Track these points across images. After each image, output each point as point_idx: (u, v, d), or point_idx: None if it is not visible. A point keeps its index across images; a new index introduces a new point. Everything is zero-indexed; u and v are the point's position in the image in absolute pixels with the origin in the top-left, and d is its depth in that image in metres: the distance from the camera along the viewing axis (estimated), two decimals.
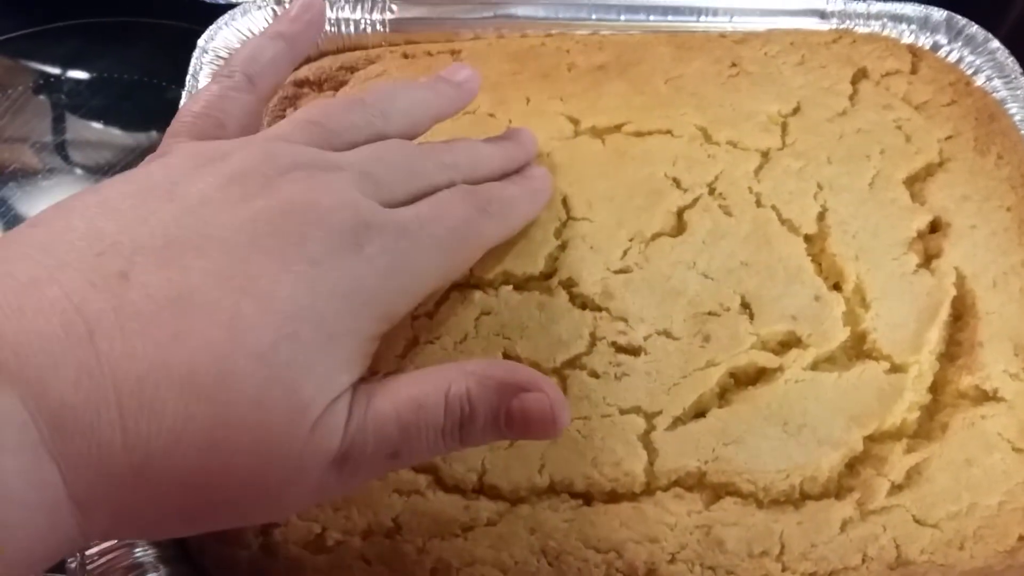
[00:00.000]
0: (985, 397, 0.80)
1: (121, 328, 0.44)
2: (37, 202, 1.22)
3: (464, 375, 0.55)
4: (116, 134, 1.33)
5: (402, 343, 0.83)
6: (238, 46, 1.04)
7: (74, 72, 1.41)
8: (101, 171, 1.27)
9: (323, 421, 0.50)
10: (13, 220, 1.18)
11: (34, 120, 1.35)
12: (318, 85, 1.05)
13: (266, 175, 0.53)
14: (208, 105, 0.62)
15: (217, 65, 1.03)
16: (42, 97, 1.40)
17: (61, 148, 1.31)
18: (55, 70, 1.42)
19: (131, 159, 1.27)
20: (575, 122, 0.98)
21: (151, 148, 0.94)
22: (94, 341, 0.43)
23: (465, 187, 0.66)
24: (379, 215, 0.55)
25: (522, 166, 0.81)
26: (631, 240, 0.88)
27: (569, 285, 0.86)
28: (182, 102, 1.01)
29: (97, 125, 1.35)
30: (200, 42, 1.05)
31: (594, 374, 0.81)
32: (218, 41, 1.05)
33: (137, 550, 0.73)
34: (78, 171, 1.28)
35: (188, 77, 1.02)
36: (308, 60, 1.07)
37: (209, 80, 0.97)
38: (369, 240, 0.54)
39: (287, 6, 0.77)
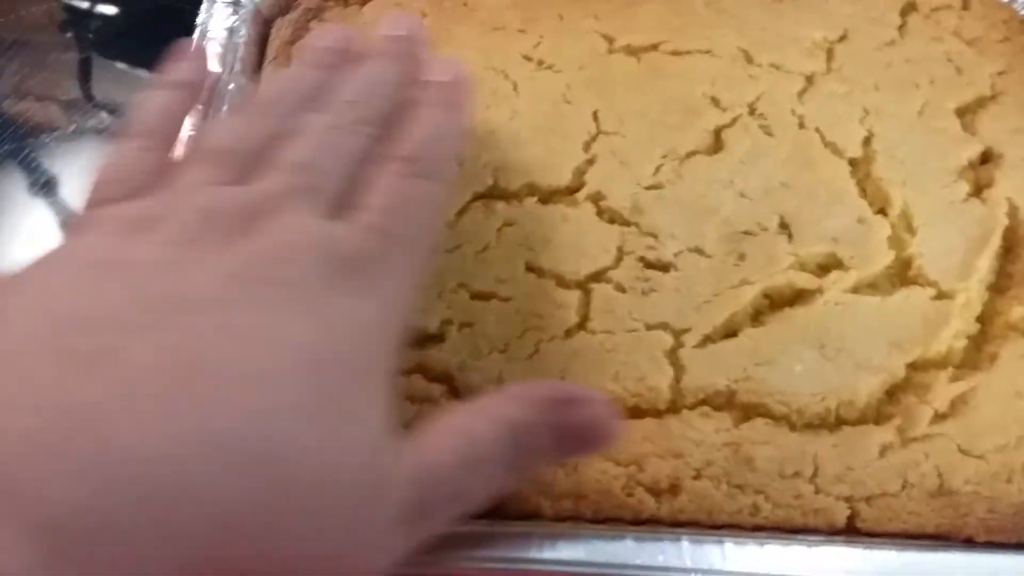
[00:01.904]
0: None
1: (122, 409, 0.37)
2: (66, 158, 1.19)
3: (511, 401, 0.52)
4: (142, 76, 1.29)
5: None
6: None
7: (101, 5, 1.38)
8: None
9: (378, 467, 0.45)
10: (42, 178, 1.15)
11: (58, 64, 1.31)
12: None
13: (214, 229, 0.47)
14: (119, 167, 0.56)
15: None
16: (68, 35, 1.37)
17: (88, 99, 1.27)
18: (82, 3, 1.39)
19: None
20: (609, 40, 0.94)
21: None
22: (97, 428, 0.36)
23: (398, 161, 0.57)
24: (347, 239, 0.50)
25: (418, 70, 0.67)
26: (664, 157, 0.84)
27: (597, 199, 0.82)
28: (199, 18, 0.97)
29: (123, 66, 1.32)
30: None
31: (620, 288, 0.77)
32: None
33: None
34: (104, 119, 1.24)
35: None
36: None
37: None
38: (351, 270, 0.49)
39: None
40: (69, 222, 0.53)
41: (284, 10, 1.01)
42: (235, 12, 0.97)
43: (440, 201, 0.62)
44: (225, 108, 0.89)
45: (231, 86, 0.91)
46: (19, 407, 0.37)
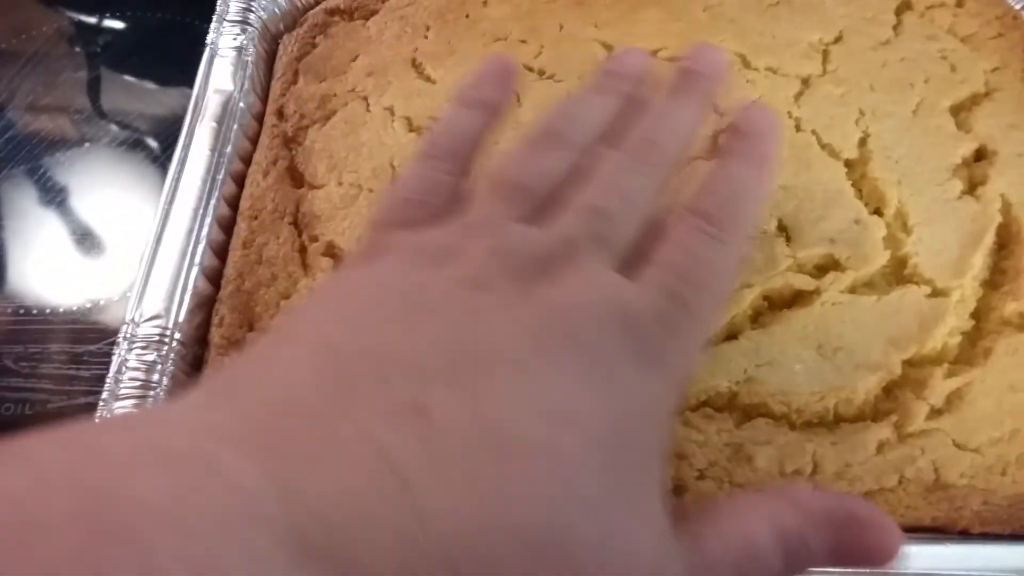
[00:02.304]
0: None
1: (438, 477, 0.34)
2: (76, 171, 1.22)
3: (795, 510, 0.45)
4: (150, 89, 1.32)
5: None
6: None
7: (109, 21, 1.41)
8: (142, 136, 1.25)
9: (660, 566, 0.41)
10: (54, 189, 1.18)
11: (70, 80, 1.33)
12: (349, 14, 1.04)
13: (511, 272, 0.44)
14: (416, 189, 0.54)
15: (243, 2, 1.02)
16: (77, 49, 1.40)
17: (98, 112, 1.30)
18: (90, 18, 1.42)
19: (168, 126, 1.25)
20: (609, 48, 0.96)
21: (199, 98, 0.93)
22: (412, 497, 0.33)
23: (698, 217, 0.51)
24: (642, 301, 0.45)
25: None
26: None
27: None
28: (208, 37, 1.00)
29: (131, 79, 1.34)
30: None
31: None
32: None
33: None
34: (115, 132, 1.27)
35: (219, 3, 1.01)
36: None
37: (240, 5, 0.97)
38: (643, 336, 0.44)
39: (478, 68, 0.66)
40: (361, 239, 0.53)
41: (291, 26, 1.04)
42: (243, 31, 0.99)
43: (735, 268, 0.53)
44: (236, 127, 0.91)
45: (241, 104, 0.94)
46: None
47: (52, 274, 1.09)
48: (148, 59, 1.34)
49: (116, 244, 1.11)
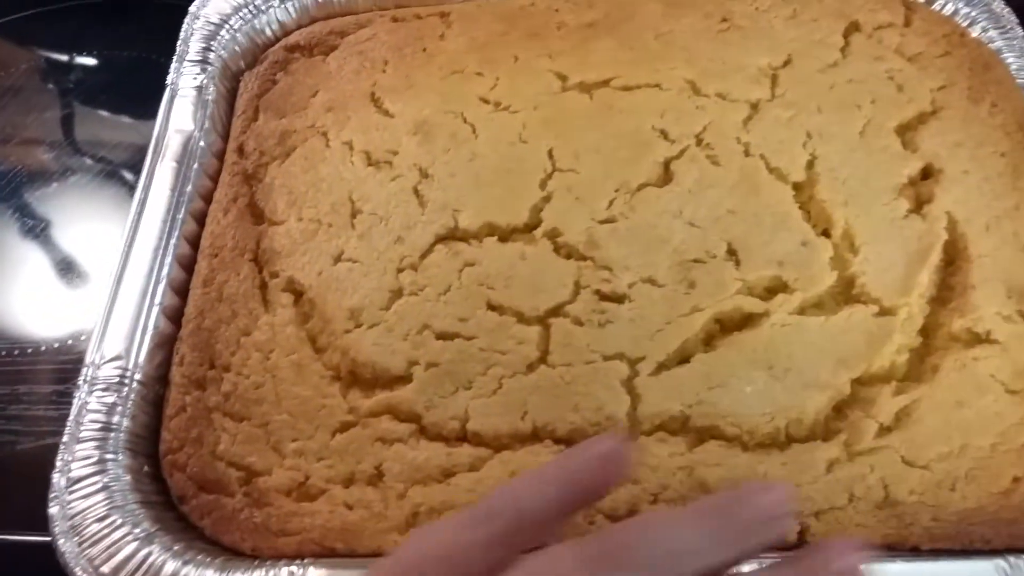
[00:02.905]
0: (978, 340, 0.79)
1: None
2: (55, 203, 1.23)
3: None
4: (125, 122, 1.34)
5: (387, 295, 0.83)
6: (228, 12, 1.05)
7: (80, 58, 1.42)
8: (118, 167, 1.26)
9: None
10: (34, 222, 1.20)
11: (44, 116, 1.35)
12: (308, 50, 1.06)
13: None
14: (444, 565, 0.46)
15: (207, 31, 1.03)
16: (50, 86, 1.41)
17: (74, 145, 1.31)
18: (61, 56, 1.43)
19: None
20: (563, 78, 0.97)
21: (159, 139, 0.94)
22: None
23: None
24: None
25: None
26: (617, 191, 0.88)
27: (553, 235, 0.85)
28: (169, 77, 1.01)
29: (105, 113, 1.36)
30: (192, 8, 1.06)
31: (578, 322, 0.80)
32: (209, 8, 1.05)
33: (116, 493, 0.73)
34: (91, 164, 1.28)
35: (179, 43, 1.03)
36: (299, 26, 1.08)
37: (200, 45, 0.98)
38: None
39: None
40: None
41: (251, 64, 1.05)
42: (203, 70, 1.01)
43: None
44: (196, 166, 0.93)
45: (201, 143, 0.95)
46: None
47: (36, 307, 1.10)
48: (119, 94, 1.36)
49: (98, 274, 1.12)
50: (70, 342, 1.05)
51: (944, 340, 0.79)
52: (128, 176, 1.25)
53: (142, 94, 1.30)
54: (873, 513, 0.71)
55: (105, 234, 1.17)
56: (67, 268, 1.13)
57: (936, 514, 0.71)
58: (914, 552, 0.70)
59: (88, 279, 1.12)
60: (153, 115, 0.97)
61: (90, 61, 1.43)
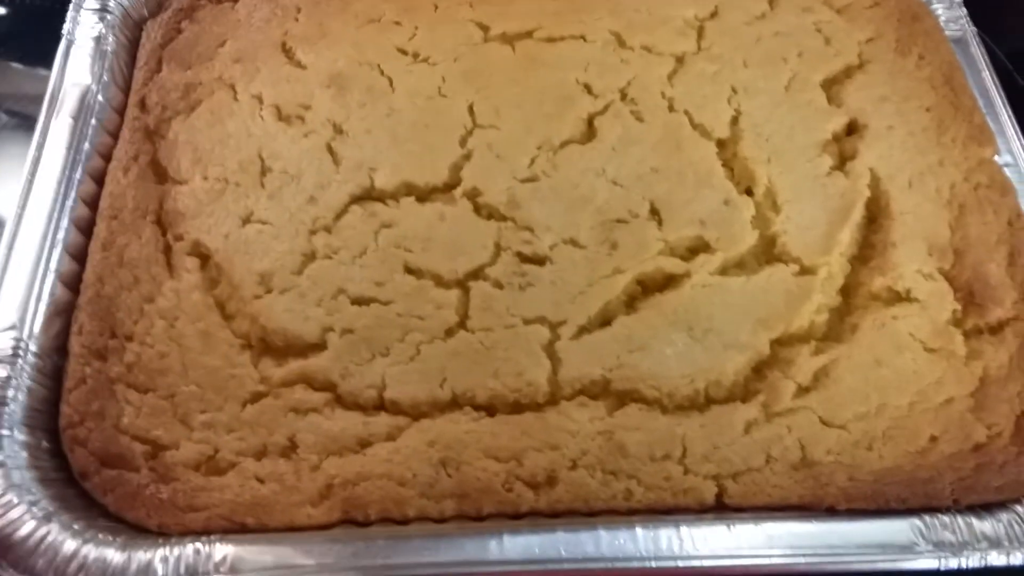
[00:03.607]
0: (898, 298, 0.79)
1: None
2: None
3: None
4: (40, 74, 1.25)
5: (299, 258, 0.80)
6: None
7: None
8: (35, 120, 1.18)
9: None
10: None
11: None
12: None
13: None
14: None
15: None
16: None
17: None
18: None
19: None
20: (485, 28, 0.93)
21: (54, 93, 0.88)
22: None
23: None
24: None
25: None
26: (539, 148, 0.85)
27: (473, 195, 0.83)
28: (64, 27, 0.93)
29: (17, 65, 1.27)
30: None
31: (498, 284, 0.78)
32: None
33: (14, 472, 0.69)
34: (6, 119, 1.20)
35: None
36: None
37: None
38: None
39: None
40: None
41: (155, 12, 0.99)
42: (101, 19, 0.94)
43: None
44: (94, 121, 0.87)
45: (100, 97, 0.89)
46: None
47: None
48: (31, 44, 1.27)
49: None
50: None
51: (864, 299, 0.79)
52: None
53: (54, 44, 1.22)
54: (789, 474, 0.71)
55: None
56: None
57: (853, 474, 0.71)
58: (830, 512, 0.70)
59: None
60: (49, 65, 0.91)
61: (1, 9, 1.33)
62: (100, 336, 0.77)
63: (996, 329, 0.78)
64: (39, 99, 1.21)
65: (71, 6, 0.96)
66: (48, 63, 1.25)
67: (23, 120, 1.19)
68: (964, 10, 1.01)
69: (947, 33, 0.97)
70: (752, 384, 0.75)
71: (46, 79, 1.24)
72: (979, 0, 1.04)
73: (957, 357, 0.76)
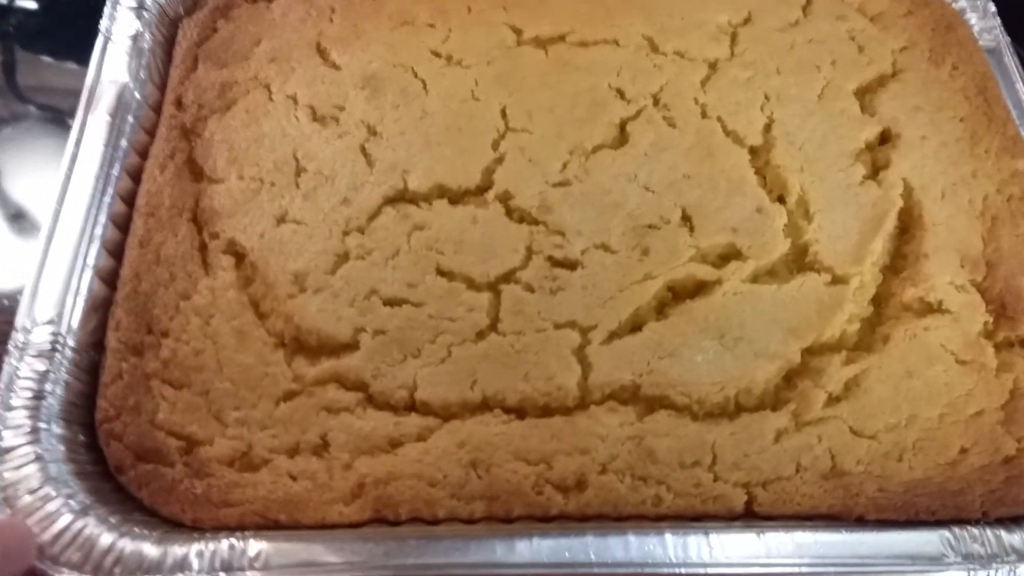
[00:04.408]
0: (929, 309, 0.79)
1: None
2: (4, 150, 1.17)
3: None
4: (70, 68, 1.27)
5: (332, 259, 0.81)
6: None
7: (20, 2, 1.34)
8: (66, 114, 1.20)
9: None
10: None
11: None
12: None
13: None
14: None
15: None
16: None
17: (16, 92, 1.24)
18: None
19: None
20: (518, 32, 0.94)
21: (92, 90, 0.88)
22: None
23: None
24: None
25: None
26: (571, 152, 0.85)
27: (505, 198, 0.83)
28: (102, 23, 0.94)
29: (48, 59, 1.29)
30: None
31: (529, 288, 0.79)
32: None
33: (51, 465, 0.70)
34: (35, 112, 1.22)
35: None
36: None
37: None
38: None
39: None
40: None
41: (191, 9, 1.00)
42: (139, 16, 0.95)
43: None
44: (131, 119, 0.88)
45: (137, 95, 0.90)
46: None
47: None
48: (60, 40, 1.28)
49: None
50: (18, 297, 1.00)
51: (896, 309, 0.79)
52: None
53: (84, 39, 1.23)
54: (819, 483, 0.71)
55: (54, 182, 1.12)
56: (18, 217, 1.08)
57: (883, 484, 0.71)
58: (860, 522, 0.71)
59: (38, 228, 1.07)
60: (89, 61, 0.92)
61: (31, 4, 1.35)
62: (136, 332, 0.78)
63: None
64: (68, 93, 1.22)
65: (108, 3, 0.97)
66: (78, 58, 1.27)
67: (53, 114, 1.21)
68: (998, 20, 1.00)
69: (981, 43, 0.97)
70: (783, 393, 0.75)
71: (76, 73, 1.26)
72: (1013, 9, 1.04)
73: (988, 369, 0.76)
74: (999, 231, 0.82)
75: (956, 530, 0.70)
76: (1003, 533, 0.70)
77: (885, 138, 0.88)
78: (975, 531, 0.70)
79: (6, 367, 0.75)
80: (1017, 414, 0.75)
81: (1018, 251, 0.81)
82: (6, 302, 0.99)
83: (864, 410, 0.74)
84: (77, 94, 1.22)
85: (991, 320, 0.78)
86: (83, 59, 1.29)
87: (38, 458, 0.70)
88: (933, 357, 0.76)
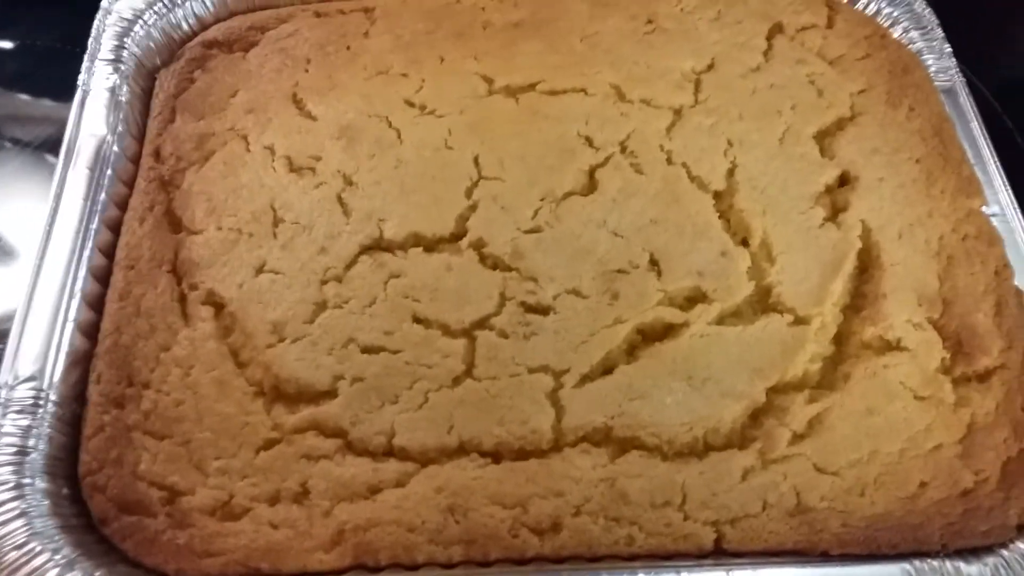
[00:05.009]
0: (888, 347, 0.81)
1: None
2: None
3: None
4: (46, 104, 1.29)
5: (310, 308, 0.82)
6: (142, 6, 1.01)
7: None
8: (44, 146, 1.22)
9: None
10: None
11: None
12: (227, 46, 1.03)
13: None
14: None
15: (121, 27, 1.00)
16: None
17: None
18: None
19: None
20: (489, 81, 0.96)
21: (71, 143, 0.90)
22: None
23: None
24: None
25: None
26: (542, 199, 0.88)
27: (479, 246, 0.85)
28: (80, 77, 0.97)
29: (25, 97, 1.31)
30: (104, 2, 1.01)
31: (503, 334, 0.81)
32: (122, 2, 1.01)
33: (36, 520, 0.72)
34: (10, 146, 1.23)
35: (91, 40, 0.99)
36: (218, 20, 1.05)
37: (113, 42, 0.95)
38: None
39: None
40: None
41: (168, 60, 1.02)
42: (115, 69, 0.97)
43: None
44: (110, 172, 0.90)
45: (115, 148, 0.92)
46: None
47: None
48: (41, 78, 1.31)
49: (25, 252, 1.09)
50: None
51: (856, 348, 0.82)
52: (50, 157, 1.20)
53: (62, 80, 1.24)
54: (785, 520, 0.74)
55: (31, 211, 1.13)
56: None
57: (845, 519, 0.74)
58: (824, 557, 0.73)
59: (16, 256, 1.09)
60: (71, 97, 0.94)
61: (8, 45, 1.37)
62: (118, 384, 0.80)
63: (984, 377, 0.81)
64: (43, 125, 1.23)
65: (86, 56, 0.99)
66: (54, 95, 1.29)
67: (27, 147, 1.23)
68: (954, 60, 1.04)
69: (937, 84, 1.00)
70: (749, 431, 0.78)
71: (51, 108, 1.28)
72: (966, 34, 1.08)
73: (946, 405, 0.79)
74: (954, 270, 0.85)
75: (916, 563, 0.72)
76: (962, 564, 0.73)
77: (844, 180, 0.91)
78: (935, 563, 0.72)
79: None
80: (974, 448, 0.77)
81: (973, 289, 0.84)
82: None
83: (827, 447, 0.77)
84: (51, 126, 1.24)
85: (948, 356, 0.81)
86: (58, 96, 1.31)
87: (23, 514, 0.72)
88: (893, 394, 0.79)
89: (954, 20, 1.09)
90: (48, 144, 1.23)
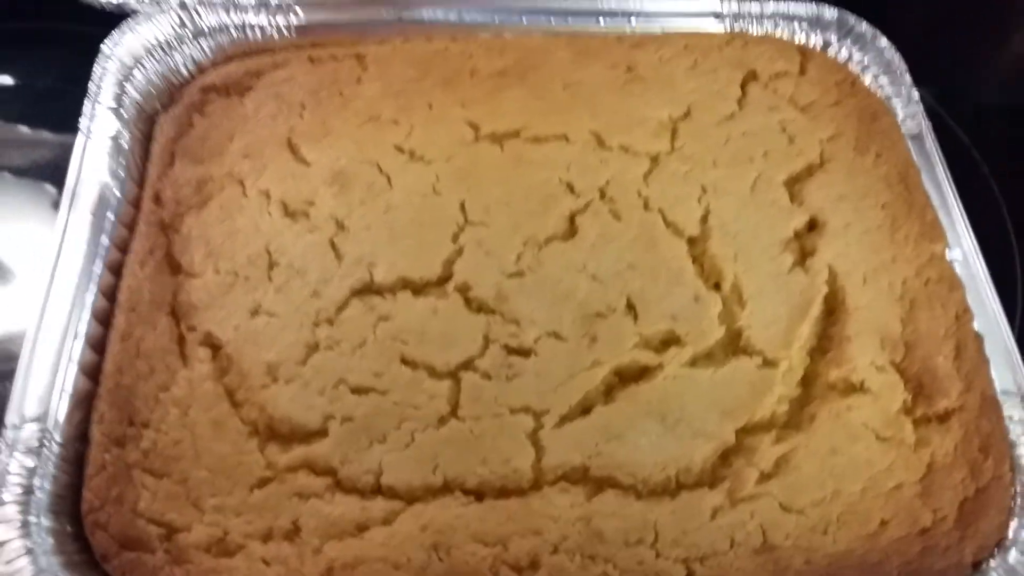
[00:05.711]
0: (852, 389, 0.86)
1: None
2: None
3: None
4: (47, 136, 1.32)
5: (303, 350, 0.86)
6: (141, 52, 1.05)
7: None
8: (41, 174, 1.26)
9: None
10: None
11: None
12: (224, 91, 1.06)
13: None
14: None
15: (121, 73, 1.03)
16: None
17: None
18: None
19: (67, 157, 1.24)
20: (475, 127, 1.01)
21: (74, 189, 0.94)
22: None
23: None
24: None
25: None
26: (525, 244, 0.92)
27: (464, 289, 0.89)
28: (82, 122, 1.00)
29: (25, 129, 1.34)
30: (104, 48, 1.05)
31: (487, 375, 0.85)
32: (122, 47, 1.05)
33: (41, 557, 0.75)
34: (8, 176, 1.27)
35: (91, 83, 1.02)
36: (215, 64, 1.09)
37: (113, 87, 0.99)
38: None
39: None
40: None
41: (167, 104, 1.06)
42: (117, 115, 1.00)
43: None
44: (111, 216, 0.94)
45: (116, 192, 0.95)
46: None
47: None
48: (40, 111, 1.34)
49: (24, 273, 1.12)
50: None
51: (822, 389, 0.86)
52: (48, 186, 1.24)
53: (61, 116, 1.28)
54: (752, 558, 0.78)
55: (30, 234, 1.17)
56: None
57: (809, 557, 0.78)
58: None
59: (13, 277, 1.12)
60: (71, 129, 0.97)
61: (6, 80, 1.40)
62: (119, 424, 0.83)
63: (943, 418, 0.85)
64: (42, 152, 1.26)
65: (86, 99, 1.02)
66: (54, 129, 1.33)
67: (25, 173, 1.26)
68: (921, 106, 1.08)
69: (904, 130, 1.05)
70: (719, 471, 0.82)
71: (50, 139, 1.31)
72: (928, 58, 1.11)
73: (907, 445, 0.83)
74: (917, 313, 0.90)
75: None
76: None
77: (813, 225, 0.95)
78: None
79: None
80: (934, 487, 0.82)
81: (934, 332, 0.89)
82: None
83: (793, 486, 0.81)
84: (49, 152, 1.27)
85: (910, 398, 0.85)
86: (57, 129, 1.34)
87: (29, 551, 0.75)
88: (856, 435, 0.83)
89: (925, 44, 1.13)
90: (46, 171, 1.26)
